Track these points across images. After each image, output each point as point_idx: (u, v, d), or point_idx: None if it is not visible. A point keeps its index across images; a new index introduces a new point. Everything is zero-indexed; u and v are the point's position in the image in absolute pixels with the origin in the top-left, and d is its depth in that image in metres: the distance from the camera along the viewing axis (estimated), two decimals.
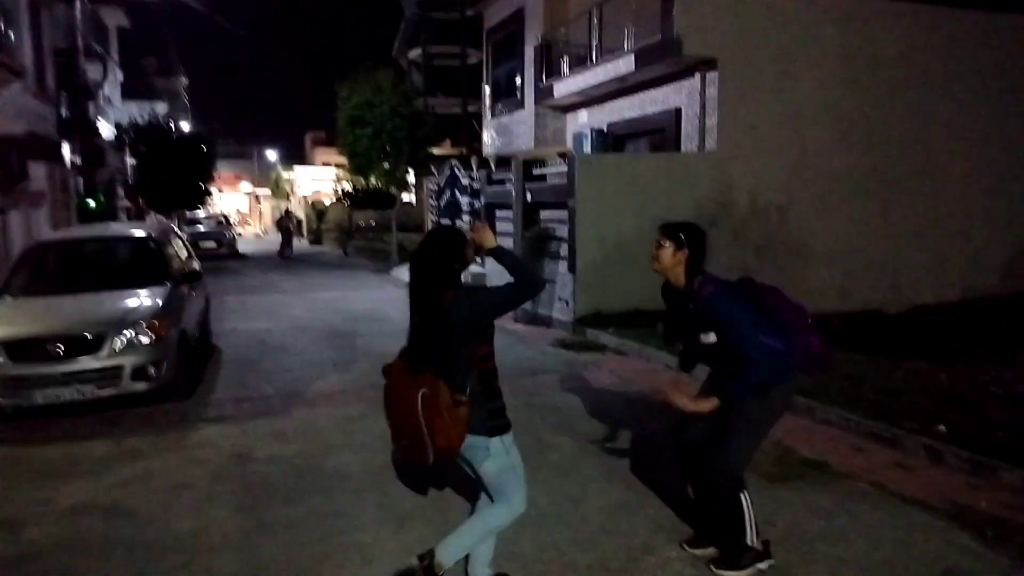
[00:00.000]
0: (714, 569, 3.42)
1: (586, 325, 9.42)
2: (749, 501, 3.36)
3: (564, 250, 10.05)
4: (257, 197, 52.05)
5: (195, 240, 22.17)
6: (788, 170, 10.80)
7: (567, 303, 10.00)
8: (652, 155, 11.53)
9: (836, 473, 4.62)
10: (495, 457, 2.99)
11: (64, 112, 16.60)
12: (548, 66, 14.62)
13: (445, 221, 14.79)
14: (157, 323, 6.24)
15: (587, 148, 13.53)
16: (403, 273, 16.41)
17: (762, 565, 3.40)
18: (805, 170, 10.92)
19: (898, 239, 11.55)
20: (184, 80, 40.37)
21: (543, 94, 14.62)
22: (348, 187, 23.39)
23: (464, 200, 13.75)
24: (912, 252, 11.63)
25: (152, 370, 6.15)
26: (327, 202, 33.74)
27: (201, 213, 27.89)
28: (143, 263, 7.50)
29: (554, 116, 15.20)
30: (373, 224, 34.63)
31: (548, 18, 14.85)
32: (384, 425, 3.05)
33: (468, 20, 27.06)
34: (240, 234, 32.51)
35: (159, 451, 5.31)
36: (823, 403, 5.76)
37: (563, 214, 10.06)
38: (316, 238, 31.99)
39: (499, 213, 12.52)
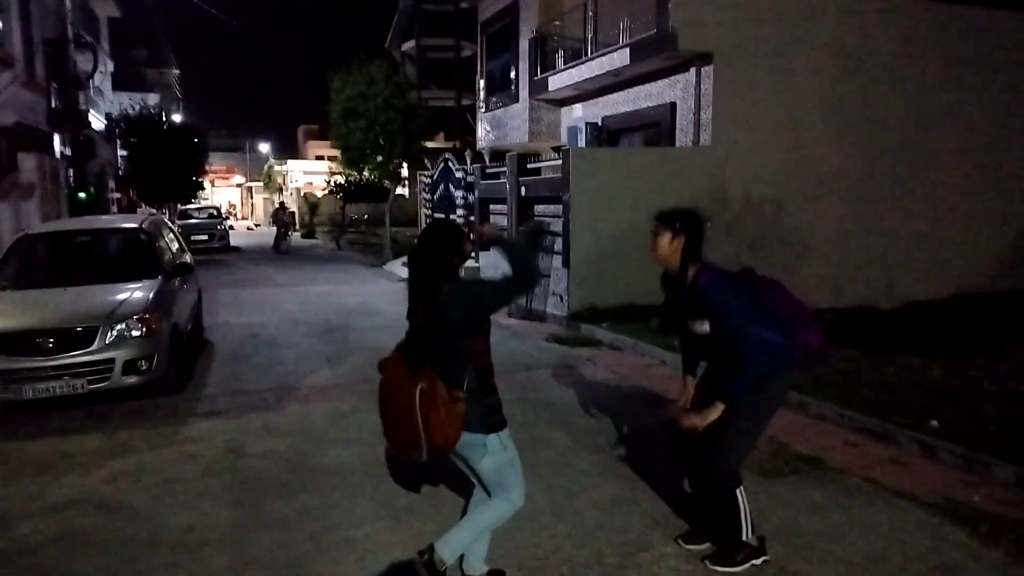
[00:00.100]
0: (709, 565, 3.42)
1: (580, 320, 9.41)
2: (745, 497, 3.36)
3: (558, 244, 10.04)
4: (250, 190, 51.83)
5: (187, 233, 22.04)
6: (783, 165, 10.81)
7: (561, 298, 9.99)
8: (647, 149, 11.51)
9: (830, 469, 4.63)
10: (493, 454, 2.97)
11: (54, 103, 16.44)
12: (543, 59, 14.57)
13: (439, 215, 14.76)
14: (149, 316, 6.19)
15: (582, 142, 13.50)
16: (396, 267, 16.39)
17: (757, 561, 3.39)
18: (800, 165, 10.93)
19: (892, 235, 11.57)
20: (176, 71, 40.07)
21: (537, 87, 14.58)
22: (341, 180, 23.29)
23: (458, 194, 13.71)
24: (906, 248, 11.67)
25: (144, 364, 6.10)
26: (319, 195, 33.64)
27: (193, 206, 27.73)
28: (134, 256, 7.45)
29: (549, 110, 15.16)
30: (366, 217, 34.54)
31: (543, 11, 14.79)
32: (378, 419, 3.03)
33: (462, 13, 26.96)
34: (232, 227, 32.31)
35: (151, 446, 5.28)
36: (817, 399, 5.77)
37: (558, 208, 10.04)
38: (309, 231, 31.86)
39: (493, 207, 12.49)
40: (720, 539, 3.48)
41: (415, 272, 2.95)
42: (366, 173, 20.24)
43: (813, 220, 11.01)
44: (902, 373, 6.61)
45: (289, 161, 46.19)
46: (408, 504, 4.18)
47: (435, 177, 15.37)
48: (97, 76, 19.71)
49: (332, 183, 25.79)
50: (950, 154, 11.88)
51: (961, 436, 4.86)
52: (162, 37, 36.93)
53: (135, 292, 6.56)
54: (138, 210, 22.77)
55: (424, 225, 13.82)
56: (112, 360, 5.94)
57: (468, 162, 13.72)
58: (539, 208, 10.91)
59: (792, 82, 10.79)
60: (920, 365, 6.89)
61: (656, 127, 11.66)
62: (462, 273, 2.97)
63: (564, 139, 14.74)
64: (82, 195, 16.48)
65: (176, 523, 4.01)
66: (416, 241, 3.03)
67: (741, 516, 3.34)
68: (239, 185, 54.53)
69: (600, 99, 13.20)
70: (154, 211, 20.39)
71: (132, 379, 6.06)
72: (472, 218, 12.99)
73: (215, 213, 28.46)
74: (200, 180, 24.73)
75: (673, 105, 11.16)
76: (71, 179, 16.98)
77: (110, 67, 25.15)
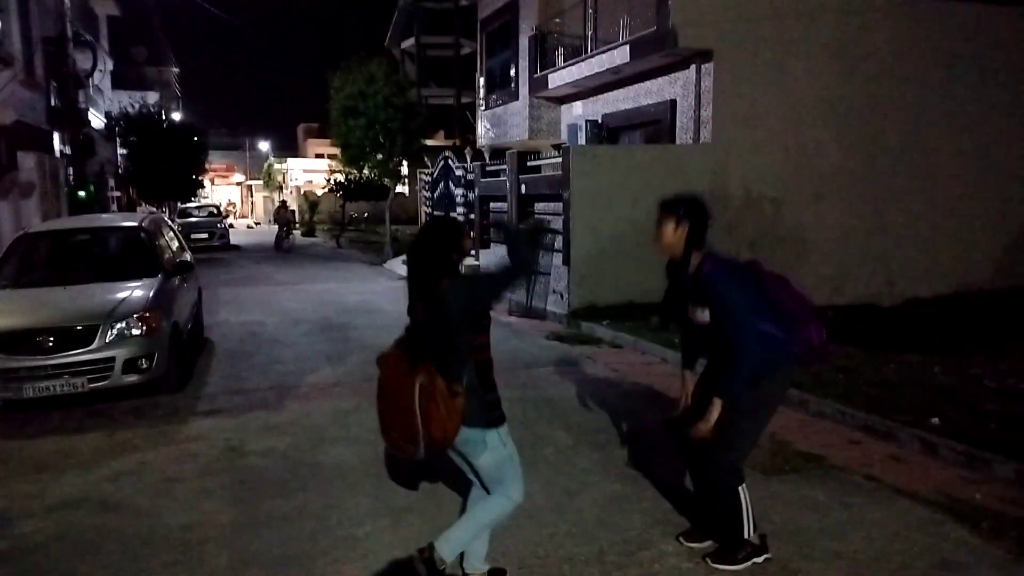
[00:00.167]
0: (711, 563, 3.41)
1: (580, 318, 9.40)
2: (747, 495, 3.35)
3: (559, 242, 10.03)
4: (250, 188, 51.83)
5: (187, 231, 22.03)
6: (783, 163, 10.79)
7: (561, 296, 9.99)
8: (647, 147, 11.49)
9: (831, 466, 4.62)
10: (492, 450, 2.97)
11: (54, 101, 16.43)
12: (543, 57, 14.55)
13: (439, 213, 14.75)
14: (149, 315, 6.18)
15: (582, 140, 13.49)
16: (396, 265, 16.38)
17: (759, 559, 3.38)
18: (800, 163, 10.91)
19: (892, 232, 11.56)
20: (175, 70, 40.04)
21: (537, 85, 14.56)
22: (341, 178, 23.27)
23: (458, 192, 13.70)
24: (906, 246, 11.65)
25: (144, 363, 6.10)
26: (319, 193, 33.62)
27: (193, 204, 27.71)
28: (134, 254, 7.44)
29: (549, 107, 15.14)
30: (366, 215, 34.53)
31: (543, 8, 14.76)
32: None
33: (462, 10, 26.90)
34: (231, 225, 32.30)
35: (151, 444, 5.27)
36: (818, 396, 5.77)
37: (558, 206, 10.03)
38: (309, 230, 31.84)
39: (493, 205, 12.49)
40: (721, 537, 3.48)
41: (414, 268, 2.94)
42: (366, 171, 20.25)
43: (813, 218, 11.00)
44: (903, 370, 6.61)
45: (289, 159, 46.18)
46: (408, 503, 4.18)
47: (435, 175, 15.36)
48: (97, 75, 19.69)
49: (332, 181, 25.80)
50: (950, 152, 11.86)
51: (962, 433, 4.85)
52: (162, 35, 36.87)
53: (135, 291, 6.55)
54: (138, 208, 22.77)
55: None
56: (112, 359, 5.94)
57: (468, 160, 13.72)
58: (539, 206, 10.90)
59: (792, 80, 10.77)
60: (921, 362, 6.89)
61: (656, 124, 11.64)
62: (462, 270, 2.97)
63: (564, 137, 14.73)
64: (82, 194, 16.46)
65: (176, 522, 4.01)
66: (416, 236, 3.02)
67: (743, 514, 3.33)
68: (239, 183, 54.52)
69: (600, 96, 13.18)
70: (154, 209, 20.39)
71: (132, 378, 6.06)
72: (472, 216, 12.99)
73: (215, 211, 28.42)
74: (200, 178, 24.73)
75: (673, 103, 11.15)
76: (71, 178, 16.97)
77: (110, 65, 25.12)
